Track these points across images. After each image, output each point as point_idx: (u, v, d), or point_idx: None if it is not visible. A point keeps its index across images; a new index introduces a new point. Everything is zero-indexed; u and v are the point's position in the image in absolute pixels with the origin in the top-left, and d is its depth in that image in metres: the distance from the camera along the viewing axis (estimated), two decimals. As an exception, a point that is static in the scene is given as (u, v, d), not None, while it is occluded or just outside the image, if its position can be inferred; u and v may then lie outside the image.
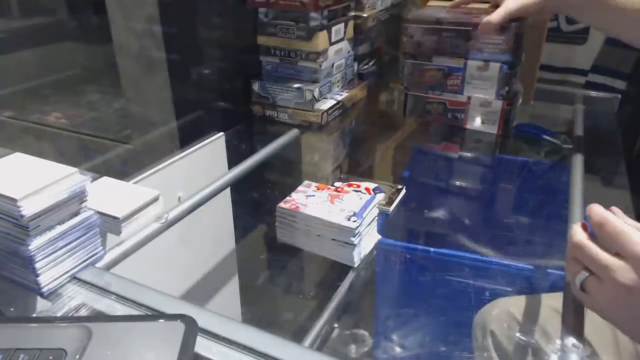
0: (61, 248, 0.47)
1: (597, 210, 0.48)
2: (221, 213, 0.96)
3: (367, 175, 0.93)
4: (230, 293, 1.05)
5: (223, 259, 1.00)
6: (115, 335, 0.38)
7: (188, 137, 0.91)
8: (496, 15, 0.83)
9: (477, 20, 0.88)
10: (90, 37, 1.25)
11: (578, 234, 0.50)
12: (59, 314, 0.46)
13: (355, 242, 0.60)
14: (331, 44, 1.04)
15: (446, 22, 0.93)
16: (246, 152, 0.88)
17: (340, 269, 0.63)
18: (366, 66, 1.24)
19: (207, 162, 0.91)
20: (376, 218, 0.65)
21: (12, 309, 0.49)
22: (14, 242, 0.45)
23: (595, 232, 0.48)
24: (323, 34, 1.00)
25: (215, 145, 0.93)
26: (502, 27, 0.85)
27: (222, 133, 0.95)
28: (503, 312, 0.68)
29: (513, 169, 0.97)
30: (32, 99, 1.21)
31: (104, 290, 0.48)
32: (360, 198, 0.64)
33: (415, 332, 0.78)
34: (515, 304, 0.69)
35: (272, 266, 1.06)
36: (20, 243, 0.45)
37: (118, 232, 0.51)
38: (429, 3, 1.08)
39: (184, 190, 0.80)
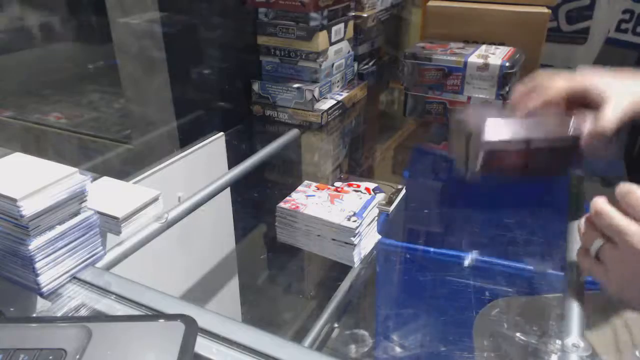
0: (61, 248, 0.47)
1: (625, 183, 0.50)
2: (221, 213, 0.96)
3: (367, 175, 0.93)
4: (230, 293, 1.05)
5: (223, 259, 1.00)
6: (115, 336, 0.38)
7: (188, 137, 0.91)
8: (609, 120, 0.59)
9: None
10: (90, 37, 1.25)
11: (600, 201, 0.50)
12: (59, 314, 0.46)
13: (355, 242, 0.60)
14: (331, 44, 1.04)
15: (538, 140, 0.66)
16: (246, 152, 0.88)
17: (340, 269, 0.62)
18: (366, 66, 1.24)
19: (207, 162, 0.91)
20: (376, 218, 0.65)
21: (12, 309, 0.49)
22: (14, 242, 0.45)
23: (619, 200, 0.49)
24: (323, 34, 1.00)
25: (215, 145, 0.93)
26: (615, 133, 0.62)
27: (222, 133, 0.95)
28: (503, 312, 0.68)
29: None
30: (31, 98, 1.21)
31: (104, 290, 0.48)
32: (360, 198, 0.64)
33: (415, 332, 0.78)
34: (515, 304, 0.69)
35: (272, 266, 1.06)
36: (20, 243, 0.45)
37: (118, 232, 0.51)
38: (429, 3, 1.08)
39: (184, 190, 0.80)
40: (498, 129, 0.69)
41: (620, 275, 0.48)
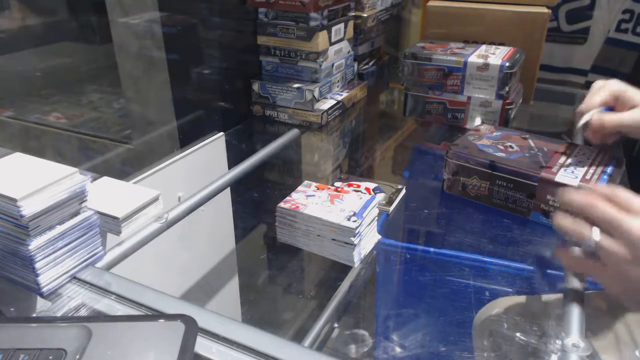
0: (61, 248, 0.47)
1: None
2: (221, 213, 0.96)
3: (367, 175, 0.93)
4: (230, 293, 1.05)
5: (223, 259, 1.00)
6: (115, 335, 0.38)
7: (188, 137, 0.91)
8: (611, 120, 0.66)
9: (547, 174, 0.67)
10: (89, 37, 1.25)
11: (581, 195, 0.51)
12: (59, 314, 0.46)
13: (355, 242, 0.60)
14: (331, 44, 1.04)
15: (502, 166, 0.71)
16: (246, 152, 0.88)
17: (340, 269, 0.63)
18: (366, 66, 1.24)
19: (207, 162, 0.91)
20: (376, 218, 0.65)
21: (12, 309, 0.49)
22: (14, 242, 0.45)
23: (609, 195, 0.50)
24: (323, 34, 1.00)
25: (215, 145, 0.93)
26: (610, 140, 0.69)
27: (222, 133, 0.95)
28: (503, 311, 0.68)
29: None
30: (31, 98, 1.21)
31: (104, 290, 0.48)
32: (360, 198, 0.64)
33: (415, 332, 0.78)
34: (515, 304, 0.69)
35: (272, 266, 1.06)
36: (20, 243, 0.45)
37: (118, 232, 0.51)
38: (429, 3, 1.08)
39: (184, 190, 0.80)
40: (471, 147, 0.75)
41: (618, 266, 0.47)
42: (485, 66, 0.92)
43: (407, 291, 0.83)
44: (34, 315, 0.48)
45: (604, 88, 0.68)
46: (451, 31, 1.07)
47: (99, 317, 0.45)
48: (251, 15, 1.02)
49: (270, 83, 1.03)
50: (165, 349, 0.37)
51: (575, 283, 0.55)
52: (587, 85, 1.38)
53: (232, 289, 1.05)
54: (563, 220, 0.54)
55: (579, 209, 0.52)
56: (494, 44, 1.02)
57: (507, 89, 0.93)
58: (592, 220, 0.50)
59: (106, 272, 0.52)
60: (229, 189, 0.85)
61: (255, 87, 1.05)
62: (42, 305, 0.48)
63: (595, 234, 0.49)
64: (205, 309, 0.44)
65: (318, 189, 0.68)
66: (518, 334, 0.59)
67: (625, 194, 0.49)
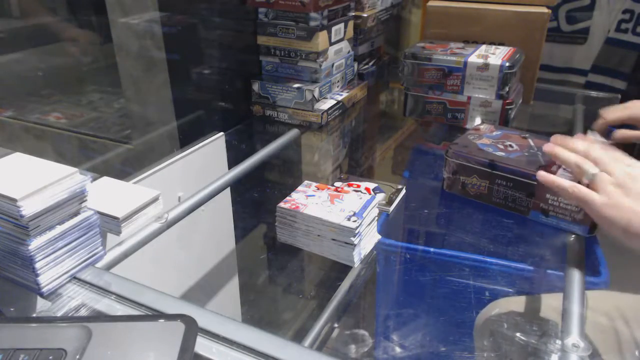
0: (61, 248, 0.47)
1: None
2: (221, 213, 0.96)
3: (367, 175, 0.93)
4: (230, 293, 1.05)
5: (223, 259, 1.00)
6: (115, 335, 0.38)
7: (188, 137, 0.91)
8: (613, 114, 0.78)
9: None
10: (89, 37, 1.24)
11: (584, 141, 0.63)
12: (59, 314, 0.46)
13: (355, 242, 0.60)
14: (331, 44, 1.04)
15: (502, 166, 0.71)
16: (246, 152, 0.88)
17: (340, 269, 0.63)
18: (366, 66, 1.24)
19: (207, 162, 0.91)
20: (376, 218, 0.65)
21: (12, 309, 0.49)
22: (14, 242, 0.45)
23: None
24: (323, 34, 1.00)
25: (215, 145, 0.93)
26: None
27: (222, 133, 0.95)
28: (503, 312, 0.68)
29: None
30: (31, 98, 1.21)
31: (104, 290, 0.48)
32: (360, 198, 0.64)
33: (415, 332, 0.78)
34: (515, 304, 0.69)
35: (272, 266, 1.06)
36: (20, 243, 0.45)
37: (118, 232, 0.51)
38: (429, 3, 1.08)
39: (184, 190, 0.80)
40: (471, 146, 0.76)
41: (613, 195, 0.56)
42: (485, 66, 0.92)
43: (407, 291, 0.83)
44: (34, 315, 0.48)
45: (625, 109, 0.77)
46: (451, 31, 1.07)
47: (99, 317, 0.45)
48: (251, 15, 1.02)
49: (270, 83, 1.03)
50: (165, 349, 0.37)
51: (575, 283, 0.55)
52: (587, 85, 1.38)
53: (232, 289, 1.05)
54: (565, 153, 0.63)
55: (579, 149, 0.62)
56: (494, 44, 1.02)
57: (507, 89, 0.93)
58: (591, 160, 0.60)
59: (106, 272, 0.52)
60: (229, 189, 0.85)
61: (255, 87, 1.05)
62: (42, 305, 0.48)
63: (594, 168, 0.59)
64: (205, 309, 0.44)
65: (318, 189, 0.68)
66: (518, 334, 0.59)
67: (618, 151, 0.61)
